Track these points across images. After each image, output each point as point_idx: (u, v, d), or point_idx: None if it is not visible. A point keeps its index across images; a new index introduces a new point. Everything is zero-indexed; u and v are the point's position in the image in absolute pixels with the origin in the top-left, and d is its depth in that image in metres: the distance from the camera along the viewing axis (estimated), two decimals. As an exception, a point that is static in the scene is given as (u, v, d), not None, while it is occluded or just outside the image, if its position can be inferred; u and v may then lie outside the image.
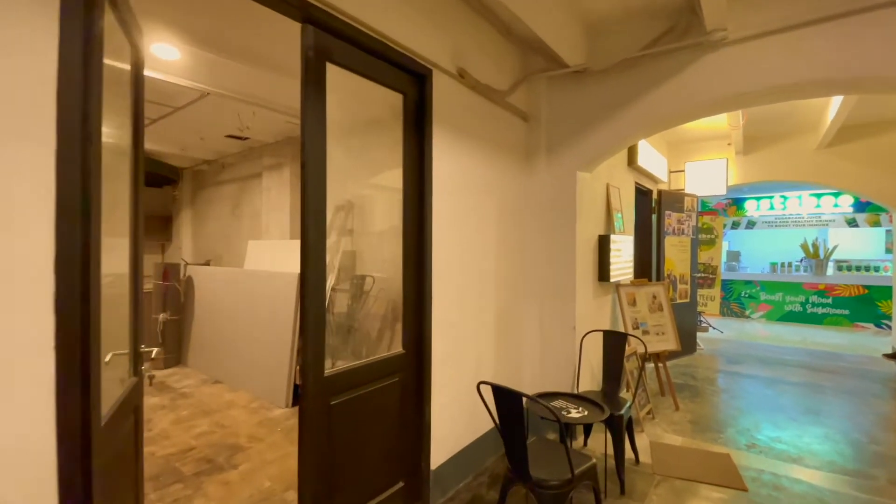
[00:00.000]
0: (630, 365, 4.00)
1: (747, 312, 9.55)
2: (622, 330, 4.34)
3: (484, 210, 3.15)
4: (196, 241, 8.60)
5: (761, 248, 11.65)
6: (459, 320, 2.86)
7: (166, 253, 9.09)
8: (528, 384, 3.64)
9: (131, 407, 1.69)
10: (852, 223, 9.68)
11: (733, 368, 5.75)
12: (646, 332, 4.39)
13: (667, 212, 6.10)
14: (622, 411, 2.90)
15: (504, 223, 3.39)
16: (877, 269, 8.83)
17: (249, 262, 6.11)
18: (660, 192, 6.04)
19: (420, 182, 2.57)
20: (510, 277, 3.46)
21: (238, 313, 4.95)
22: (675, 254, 6.22)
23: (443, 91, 2.69)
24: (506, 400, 2.08)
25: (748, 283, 9.53)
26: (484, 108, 3.15)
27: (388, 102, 2.52)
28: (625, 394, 3.56)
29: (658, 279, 6.09)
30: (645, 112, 3.20)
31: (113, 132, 1.52)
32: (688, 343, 6.44)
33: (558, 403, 2.81)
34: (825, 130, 5.75)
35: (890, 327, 8.18)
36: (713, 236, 7.93)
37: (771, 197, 10.50)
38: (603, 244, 4.02)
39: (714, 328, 8.13)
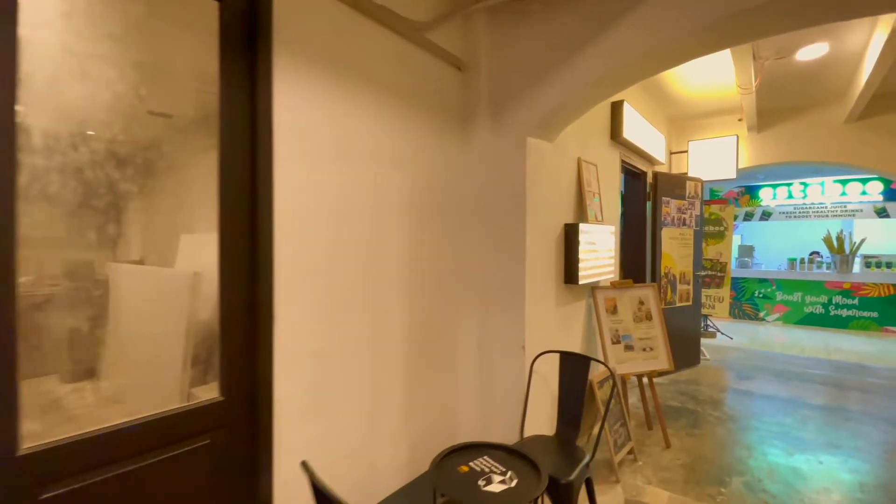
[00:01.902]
0: (604, 393, 3.09)
1: (761, 315, 8.53)
2: (600, 347, 3.44)
3: (389, 190, 2.26)
4: (147, 235, 7.82)
5: (778, 242, 10.59)
6: (331, 349, 1.97)
7: (118, 250, 8.36)
8: (464, 430, 2.75)
9: None
10: (882, 213, 8.58)
11: (743, 386, 4.81)
12: (629, 348, 3.47)
13: (664, 198, 5.14)
14: (573, 475, 2.01)
15: (426, 209, 2.50)
16: (911, 266, 7.76)
17: (182, 258, 5.29)
18: (655, 175, 5.08)
19: (252, 141, 1.69)
20: (435, 284, 2.57)
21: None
22: (675, 249, 5.27)
23: (306, 6, 1.81)
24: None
25: (762, 281, 8.51)
26: (390, 46, 2.25)
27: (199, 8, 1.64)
28: (589, 439, 2.67)
29: (653, 279, 5.14)
30: (614, 49, 2.28)
31: None
32: (690, 353, 5.49)
33: (479, 464, 1.93)
34: (855, 100, 4.76)
35: (927, 333, 7.14)
36: (722, 228, 6.94)
37: (789, 184, 9.42)
38: (570, 236, 3.11)
39: (723, 333, 7.16)
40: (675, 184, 5.26)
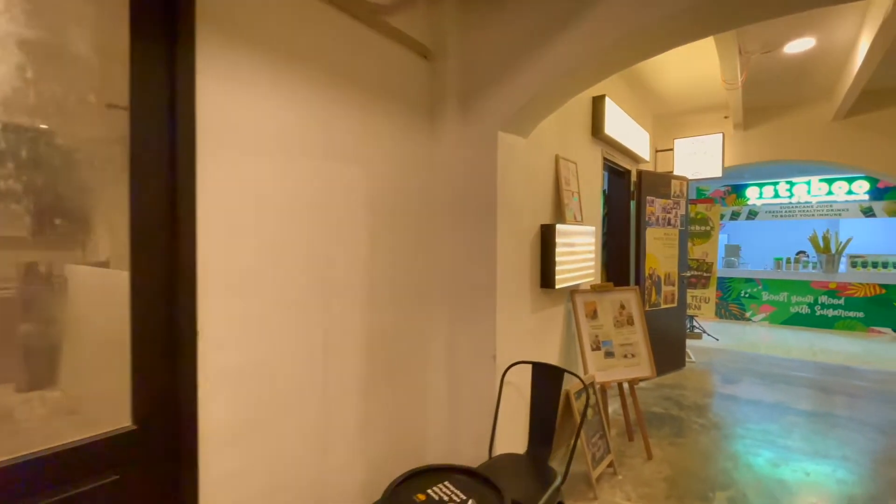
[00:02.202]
0: (581, 404, 2.92)
1: (748, 315, 8.46)
2: (579, 354, 3.27)
3: (345, 187, 2.06)
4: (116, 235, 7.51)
5: (764, 241, 10.55)
6: (270, 363, 1.76)
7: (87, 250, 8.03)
8: (432, 448, 2.56)
9: None
10: (868, 212, 8.55)
11: (729, 390, 4.68)
12: (609, 355, 3.30)
13: (648, 197, 4.99)
14: (541, 500, 1.83)
15: (389, 207, 2.30)
16: (896, 266, 7.72)
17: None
18: (639, 174, 4.93)
19: (171, 132, 1.47)
20: (399, 289, 2.37)
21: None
22: (659, 249, 5.12)
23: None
24: None
25: (749, 281, 8.43)
26: (346, 29, 2.04)
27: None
28: (567, 453, 2.50)
29: (637, 281, 4.99)
30: (590, 34, 2.09)
31: None
32: (675, 356, 5.36)
33: (438, 491, 1.75)
34: (843, 97, 4.64)
35: (912, 333, 7.10)
36: (708, 228, 6.83)
37: (776, 183, 9.36)
38: (546, 238, 2.93)
39: (709, 335, 7.05)
40: (659, 182, 5.12)
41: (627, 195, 5.01)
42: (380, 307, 2.25)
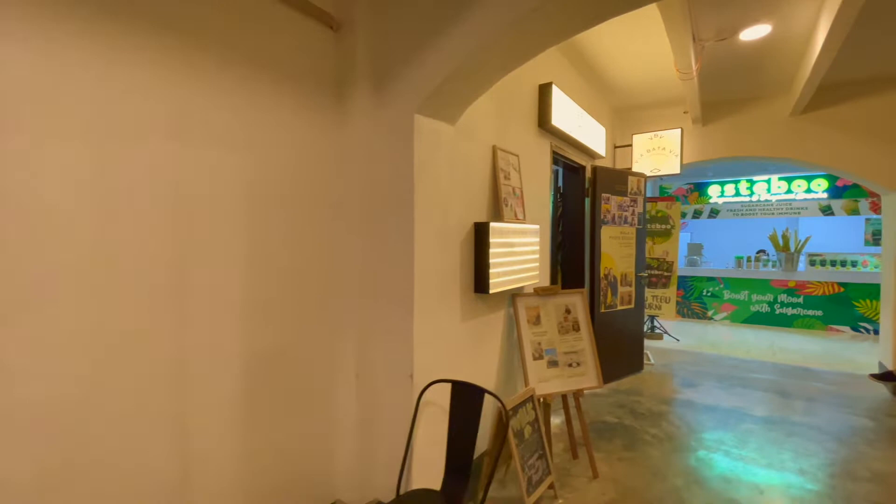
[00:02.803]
0: (518, 422, 2.62)
1: (709, 314, 8.38)
2: (520, 364, 2.98)
3: (214, 177, 1.70)
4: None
5: (726, 239, 10.56)
6: (92, 398, 1.39)
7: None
8: (343, 483, 2.23)
9: None
10: (827, 211, 8.59)
11: (687, 395, 4.48)
12: (553, 364, 3.02)
13: (604, 195, 4.76)
14: (444, 556, 1.51)
15: (281, 201, 1.95)
16: (854, 265, 7.74)
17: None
18: (594, 170, 4.69)
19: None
20: (295, 298, 2.02)
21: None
22: (616, 248, 4.90)
23: None
24: None
25: (711, 279, 8.35)
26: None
27: None
28: (506, 473, 2.18)
29: (591, 282, 4.76)
30: (508, 2, 1.79)
31: None
32: (633, 360, 5.16)
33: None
34: (800, 91, 4.49)
35: (868, 331, 7.12)
36: (669, 226, 6.67)
37: (737, 181, 9.34)
38: (480, 237, 2.63)
39: (669, 335, 6.91)
40: (615, 179, 4.89)
41: (582, 192, 4.76)
42: (267, 322, 1.90)
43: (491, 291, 2.59)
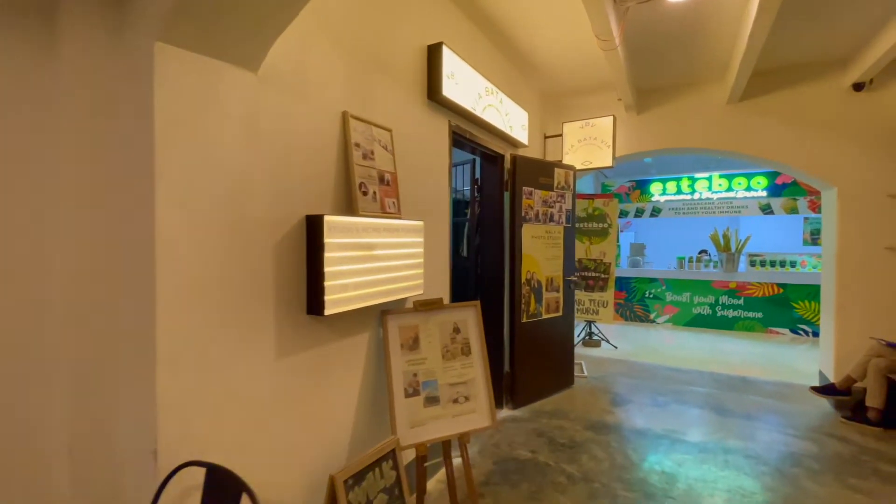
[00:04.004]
0: (358, 496, 1.91)
1: (652, 316, 8.01)
2: (393, 400, 2.29)
3: None
4: None
5: (669, 239, 10.31)
6: None
7: None
8: None
9: None
10: (766, 209, 8.39)
11: (616, 415, 3.93)
12: (432, 401, 2.34)
13: (526, 188, 4.16)
14: None
15: None
16: (793, 265, 7.53)
17: None
18: (514, 159, 4.07)
19: None
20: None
21: None
22: (540, 249, 4.31)
23: None
24: None
25: (653, 281, 7.99)
26: None
27: None
28: None
29: (511, 287, 4.14)
30: None
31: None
32: (562, 375, 4.59)
33: None
34: (735, 76, 4.04)
35: (807, 333, 6.89)
36: (606, 225, 6.19)
37: (678, 179, 9.05)
38: (313, 236, 1.91)
39: (608, 342, 6.43)
40: (539, 171, 4.30)
41: (501, 185, 4.14)
42: None
43: (328, 312, 1.87)
